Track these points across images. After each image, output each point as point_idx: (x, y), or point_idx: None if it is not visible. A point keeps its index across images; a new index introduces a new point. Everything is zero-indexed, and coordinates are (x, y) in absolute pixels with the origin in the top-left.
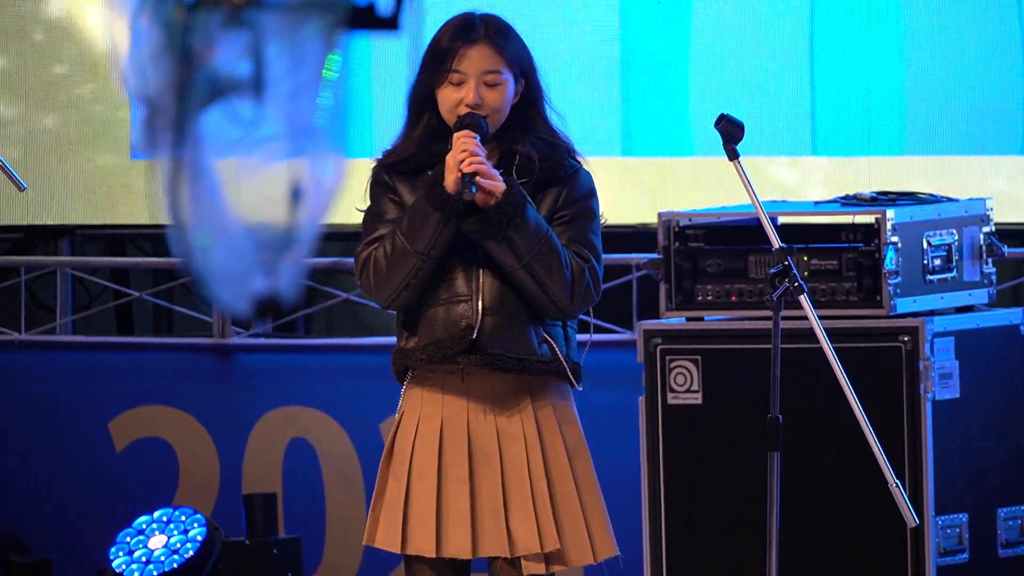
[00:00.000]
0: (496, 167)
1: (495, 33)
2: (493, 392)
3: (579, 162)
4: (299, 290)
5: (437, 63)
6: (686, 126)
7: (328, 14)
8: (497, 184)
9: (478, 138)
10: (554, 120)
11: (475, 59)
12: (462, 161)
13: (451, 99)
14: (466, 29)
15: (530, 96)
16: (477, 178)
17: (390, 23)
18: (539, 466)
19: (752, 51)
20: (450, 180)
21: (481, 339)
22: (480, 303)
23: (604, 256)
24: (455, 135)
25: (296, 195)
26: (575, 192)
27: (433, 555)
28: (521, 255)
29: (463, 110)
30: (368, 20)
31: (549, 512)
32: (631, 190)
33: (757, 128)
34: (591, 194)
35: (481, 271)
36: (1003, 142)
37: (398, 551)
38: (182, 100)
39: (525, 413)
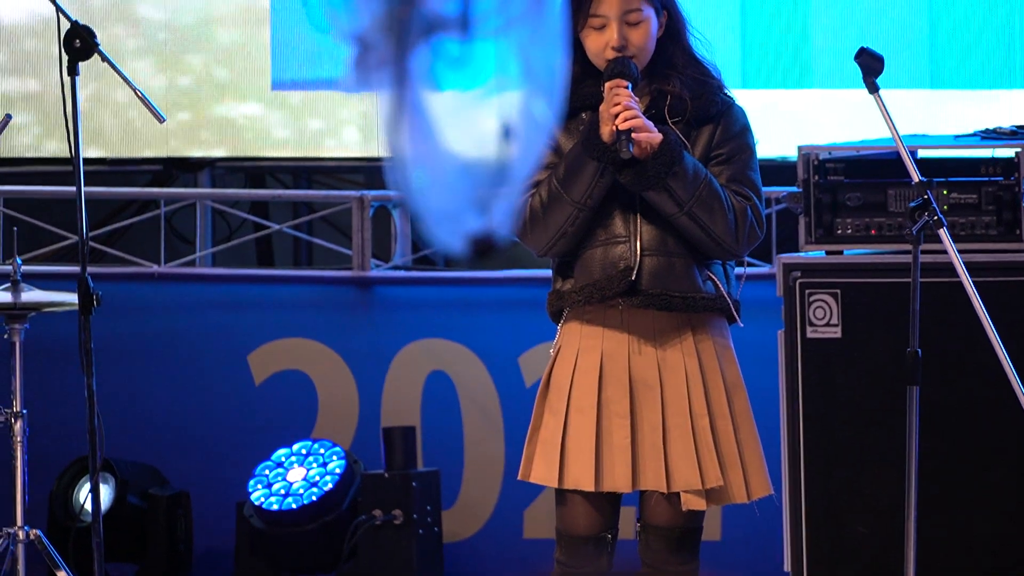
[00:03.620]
0: (647, 109)
1: None
2: (655, 327)
3: (731, 96)
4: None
5: (575, 8)
6: (808, 57)
7: None
8: (654, 136)
9: (629, 86)
10: (700, 51)
11: (614, 0)
12: (616, 115)
13: (596, 43)
14: None
15: (673, 28)
16: (633, 134)
17: None
18: (701, 402)
19: None
20: (605, 131)
21: (641, 280)
22: (639, 244)
23: None
24: (607, 85)
25: (507, 132)
26: (730, 129)
27: (592, 489)
28: (682, 203)
29: (610, 54)
30: None
31: (712, 449)
32: (770, 123)
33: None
34: (746, 130)
35: (639, 212)
36: None
37: (555, 486)
38: (400, 38)
39: (687, 349)
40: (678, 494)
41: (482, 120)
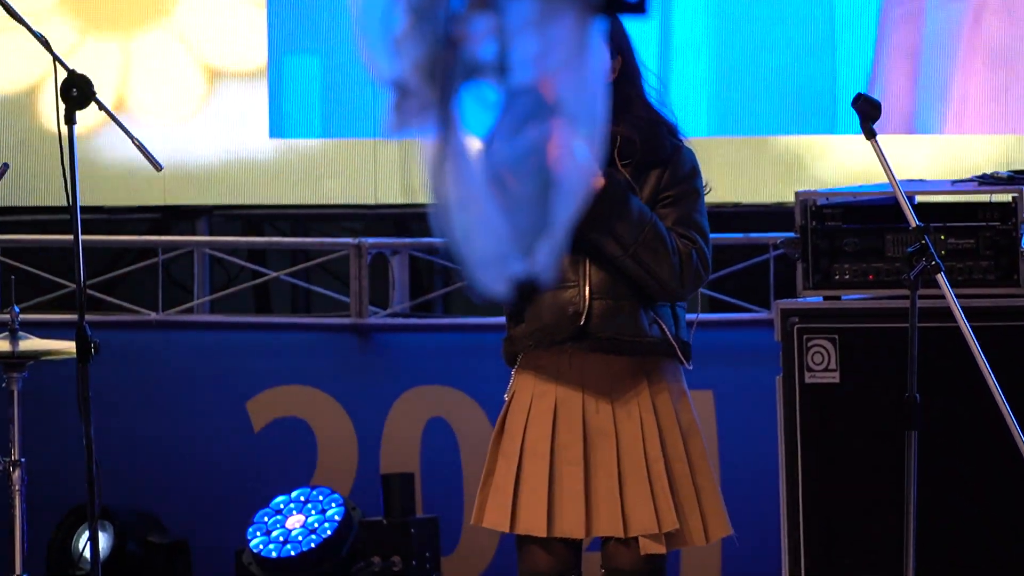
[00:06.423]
0: None
1: None
2: (609, 373)
3: (680, 140)
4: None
5: None
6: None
7: None
8: (596, 178)
9: None
10: (654, 98)
11: None
12: None
13: None
14: None
15: (627, 73)
16: None
17: (638, 7)
18: (656, 447)
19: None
20: None
21: (590, 324)
22: (588, 288)
23: (741, 236)
24: None
25: (550, 176)
26: (678, 172)
27: (544, 535)
28: (626, 245)
29: None
30: (617, 4)
31: (667, 493)
32: (767, 169)
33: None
34: (694, 172)
35: (587, 255)
36: None
37: (507, 531)
38: (443, 83)
39: (642, 394)
40: (637, 539)
41: (525, 164)
